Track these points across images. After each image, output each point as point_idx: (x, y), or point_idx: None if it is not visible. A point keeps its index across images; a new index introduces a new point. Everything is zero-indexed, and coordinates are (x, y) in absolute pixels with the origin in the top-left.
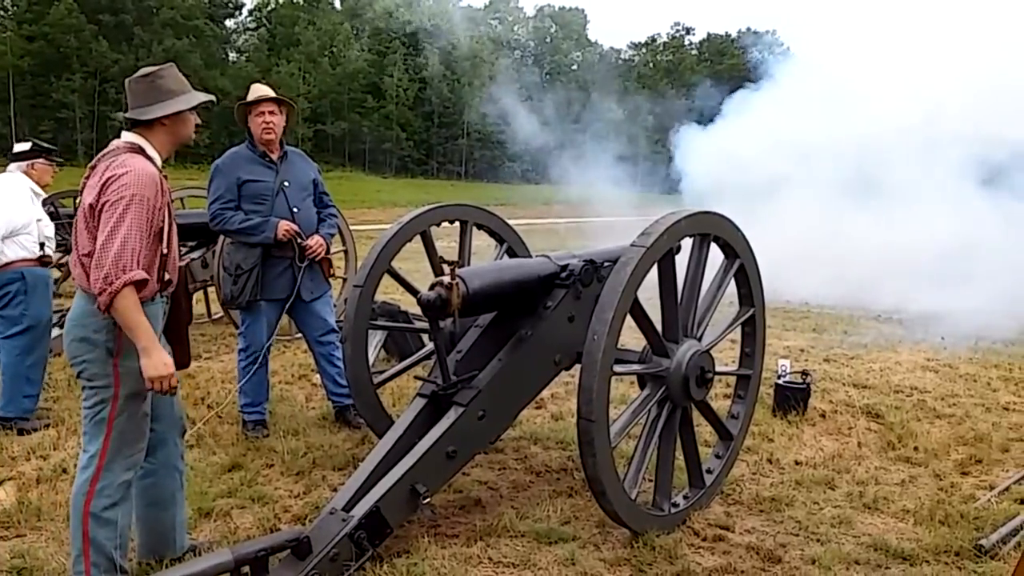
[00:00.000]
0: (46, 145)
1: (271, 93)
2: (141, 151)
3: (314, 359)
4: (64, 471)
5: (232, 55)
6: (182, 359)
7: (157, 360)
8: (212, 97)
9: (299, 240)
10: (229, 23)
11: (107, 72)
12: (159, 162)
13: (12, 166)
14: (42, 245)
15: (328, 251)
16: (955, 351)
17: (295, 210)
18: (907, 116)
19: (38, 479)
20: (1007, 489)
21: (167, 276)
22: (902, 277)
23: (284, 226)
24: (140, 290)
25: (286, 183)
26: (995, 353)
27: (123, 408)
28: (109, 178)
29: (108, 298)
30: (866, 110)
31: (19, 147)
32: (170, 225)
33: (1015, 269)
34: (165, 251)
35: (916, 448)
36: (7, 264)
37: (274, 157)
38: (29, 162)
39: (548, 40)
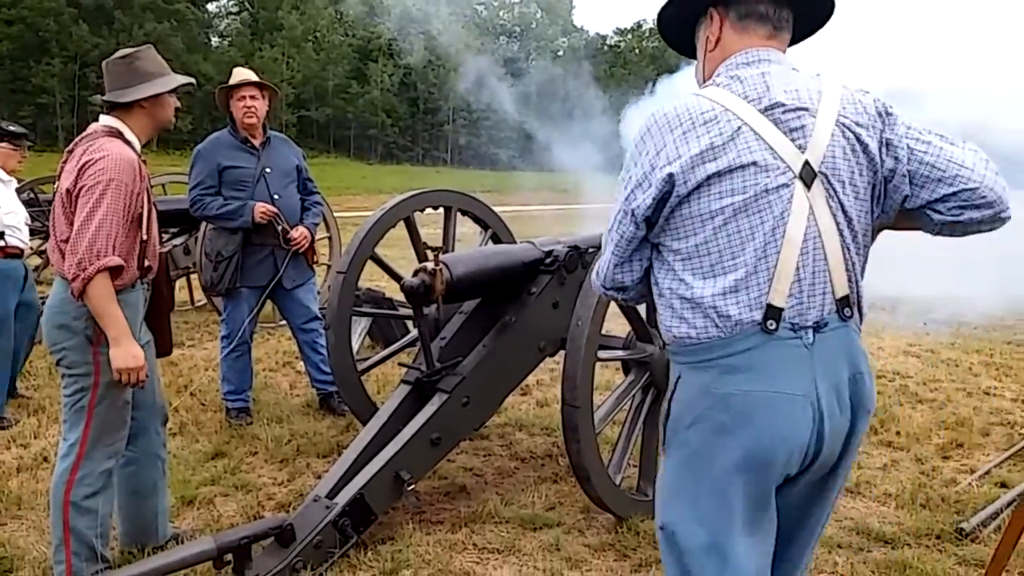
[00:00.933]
0: (12, 128)
1: (253, 77)
2: (119, 135)
3: (298, 346)
4: (45, 460)
5: (214, 39)
6: (164, 347)
7: (126, 352)
8: (192, 80)
9: (278, 222)
10: (211, 7)
11: (87, 56)
12: (138, 146)
13: None
14: (1, 234)
15: (312, 240)
16: (937, 337)
17: (276, 196)
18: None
19: (18, 468)
20: (988, 473)
21: (147, 263)
22: (886, 264)
23: (260, 208)
24: (116, 277)
25: (267, 169)
26: (976, 339)
27: (103, 396)
28: (86, 162)
29: (81, 284)
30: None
31: None
32: (149, 211)
33: (999, 255)
34: (144, 237)
35: (898, 432)
36: None
37: (256, 143)
38: None
39: (533, 25)
